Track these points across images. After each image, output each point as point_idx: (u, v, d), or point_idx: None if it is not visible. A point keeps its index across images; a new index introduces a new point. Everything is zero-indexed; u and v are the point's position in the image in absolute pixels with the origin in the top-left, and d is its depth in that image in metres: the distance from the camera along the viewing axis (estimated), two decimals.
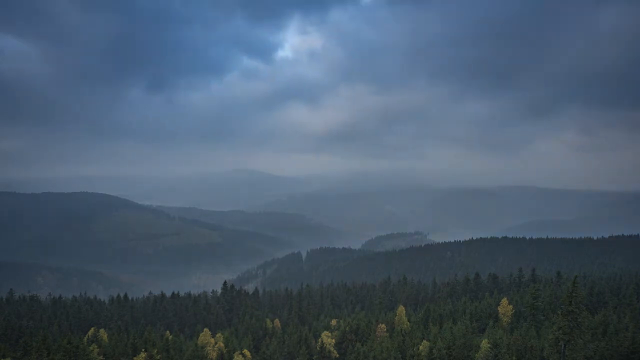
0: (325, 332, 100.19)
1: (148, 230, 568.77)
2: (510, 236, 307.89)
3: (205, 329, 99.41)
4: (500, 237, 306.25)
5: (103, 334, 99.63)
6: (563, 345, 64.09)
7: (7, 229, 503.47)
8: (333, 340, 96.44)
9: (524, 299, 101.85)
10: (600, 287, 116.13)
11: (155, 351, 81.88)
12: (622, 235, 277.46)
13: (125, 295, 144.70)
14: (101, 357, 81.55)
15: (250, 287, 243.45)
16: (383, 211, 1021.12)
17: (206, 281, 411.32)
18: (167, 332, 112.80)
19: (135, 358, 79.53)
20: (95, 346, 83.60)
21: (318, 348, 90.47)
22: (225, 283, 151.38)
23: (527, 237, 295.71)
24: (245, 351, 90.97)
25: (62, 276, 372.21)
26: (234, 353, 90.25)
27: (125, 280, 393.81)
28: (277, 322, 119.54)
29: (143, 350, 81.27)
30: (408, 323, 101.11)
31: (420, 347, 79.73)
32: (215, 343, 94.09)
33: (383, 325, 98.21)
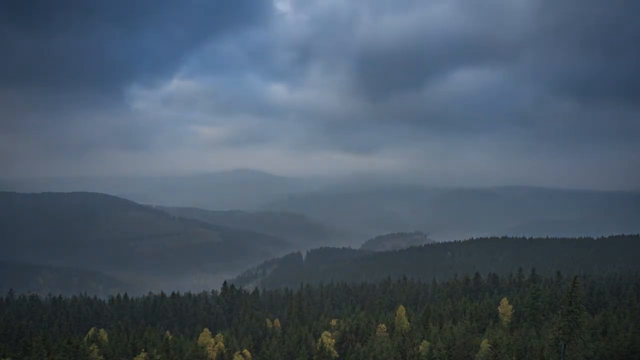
0: (325, 332, 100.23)
1: (148, 230, 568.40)
2: (510, 236, 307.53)
3: (205, 329, 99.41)
4: (500, 237, 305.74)
5: (103, 334, 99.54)
6: (563, 345, 64.11)
7: (7, 229, 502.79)
8: (333, 340, 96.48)
9: (524, 299, 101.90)
10: (600, 287, 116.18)
11: (155, 351, 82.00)
12: (622, 235, 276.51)
13: (125, 295, 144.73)
14: (101, 357, 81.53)
15: (250, 287, 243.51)
16: (383, 211, 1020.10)
17: (206, 281, 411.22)
18: (167, 332, 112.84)
19: (135, 358, 79.67)
20: (95, 346, 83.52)
21: (318, 348, 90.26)
22: (225, 283, 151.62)
23: (527, 237, 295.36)
24: (245, 351, 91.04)
25: (62, 276, 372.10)
26: (234, 353, 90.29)
27: (125, 280, 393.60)
28: (277, 322, 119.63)
29: (143, 350, 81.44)
30: (408, 323, 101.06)
31: (420, 347, 79.81)
32: (215, 343, 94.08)
33: (383, 325, 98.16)
